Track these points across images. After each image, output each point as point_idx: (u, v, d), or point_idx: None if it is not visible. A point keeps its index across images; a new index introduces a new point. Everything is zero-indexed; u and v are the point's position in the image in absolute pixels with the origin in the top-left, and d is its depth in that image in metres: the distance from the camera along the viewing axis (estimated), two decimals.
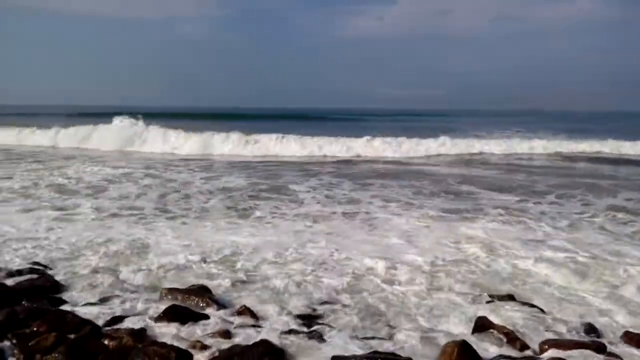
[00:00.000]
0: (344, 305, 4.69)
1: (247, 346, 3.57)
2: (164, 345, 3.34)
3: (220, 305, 4.49)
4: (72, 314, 4.06)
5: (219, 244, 6.58)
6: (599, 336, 4.14)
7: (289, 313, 4.44)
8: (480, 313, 4.35)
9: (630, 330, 4.18)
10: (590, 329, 4.23)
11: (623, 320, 4.51)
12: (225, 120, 42.26)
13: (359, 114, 71.84)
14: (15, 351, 3.44)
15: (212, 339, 3.80)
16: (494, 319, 4.21)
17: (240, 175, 13.50)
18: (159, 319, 4.09)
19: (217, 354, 3.52)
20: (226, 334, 3.89)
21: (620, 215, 8.94)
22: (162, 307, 4.29)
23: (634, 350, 3.86)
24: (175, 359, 3.21)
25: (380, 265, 5.75)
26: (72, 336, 3.61)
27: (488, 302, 4.76)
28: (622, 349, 3.87)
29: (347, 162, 18.21)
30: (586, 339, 4.02)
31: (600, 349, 3.69)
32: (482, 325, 3.99)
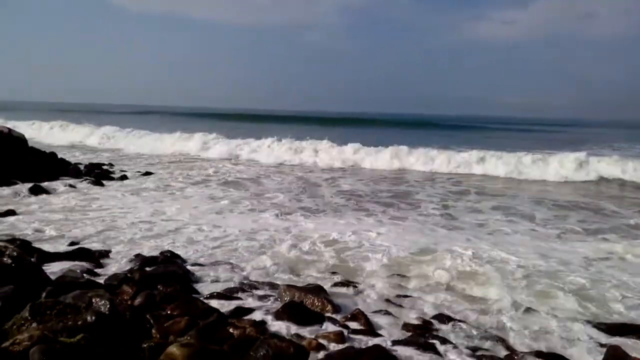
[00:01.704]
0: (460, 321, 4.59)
1: (361, 350, 3.62)
2: (283, 339, 3.49)
3: (335, 306, 4.59)
4: (201, 301, 4.40)
5: None
6: None
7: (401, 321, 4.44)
8: None
9: None
10: None
11: None
12: (363, 126, 43.82)
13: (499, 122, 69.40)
14: (153, 330, 3.81)
15: (326, 339, 3.91)
16: None
17: None
18: (278, 314, 4.28)
19: (331, 353, 3.62)
20: (340, 336, 3.97)
21: None
22: (282, 302, 4.52)
23: None
24: (293, 353, 3.34)
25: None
26: (201, 322, 3.91)
27: None
28: None
29: None
30: None
31: None
32: (614, 354, 3.67)
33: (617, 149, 28.19)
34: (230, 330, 3.83)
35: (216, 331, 3.71)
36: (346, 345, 3.84)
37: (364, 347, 3.75)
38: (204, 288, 5.09)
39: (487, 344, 4.07)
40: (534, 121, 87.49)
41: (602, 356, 3.80)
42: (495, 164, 16.51)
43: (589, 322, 4.58)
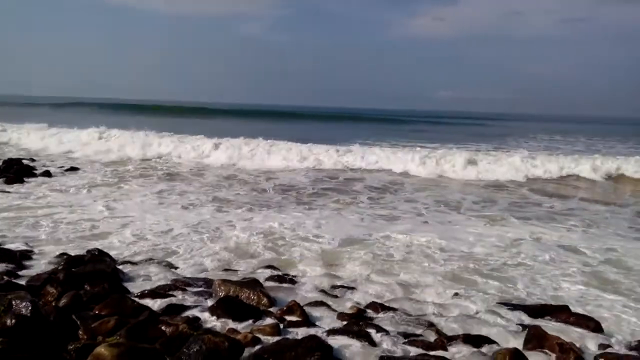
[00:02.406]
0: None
1: (297, 341, 3.64)
2: (217, 334, 3.45)
3: (272, 299, 4.58)
4: (131, 300, 4.26)
5: None
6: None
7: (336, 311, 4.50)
8: None
9: None
10: None
11: None
12: (295, 119, 43.16)
13: (429, 116, 70.38)
14: (80, 332, 3.65)
15: (262, 332, 3.90)
16: None
17: None
18: (213, 309, 4.22)
19: (266, 346, 3.61)
20: (275, 328, 3.97)
21: None
22: (216, 298, 4.46)
23: None
24: (228, 348, 3.31)
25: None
26: (131, 321, 3.79)
27: None
28: None
29: None
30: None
31: None
32: (535, 335, 3.90)
33: (540, 140, 29.88)
34: (163, 328, 3.73)
35: (148, 330, 3.62)
36: (282, 337, 3.86)
37: (299, 338, 3.77)
38: (136, 286, 4.93)
39: (419, 330, 4.20)
40: (465, 115, 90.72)
41: (524, 337, 4.02)
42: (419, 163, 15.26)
43: (511, 304, 4.84)
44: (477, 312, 4.64)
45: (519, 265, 6.23)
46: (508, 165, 14.50)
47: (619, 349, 3.93)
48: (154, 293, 4.65)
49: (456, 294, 5.11)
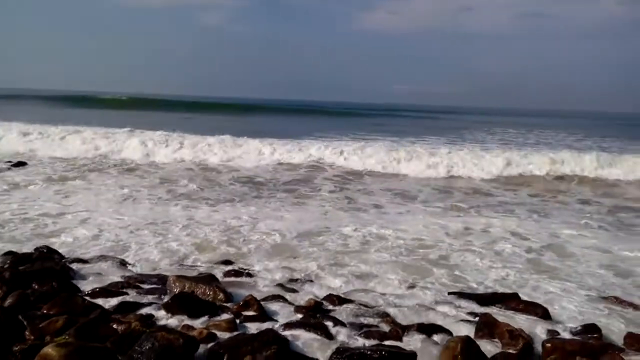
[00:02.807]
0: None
1: (253, 335, 3.63)
2: (171, 331, 3.40)
3: (228, 294, 4.54)
4: (82, 298, 4.14)
5: None
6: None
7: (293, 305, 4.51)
8: None
9: None
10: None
11: None
12: (251, 113, 42.23)
13: (383, 109, 70.25)
14: (27, 332, 3.52)
15: (218, 328, 3.86)
16: None
17: None
18: (167, 306, 4.15)
19: (222, 342, 3.58)
20: (231, 324, 3.94)
21: None
22: (171, 294, 4.38)
23: None
24: (183, 345, 3.26)
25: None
26: (81, 320, 3.68)
27: None
28: None
29: None
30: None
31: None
32: (485, 323, 4.01)
33: (492, 133, 30.63)
34: (114, 326, 3.64)
35: (98, 328, 3.52)
36: (238, 332, 3.84)
37: (256, 332, 3.76)
38: (87, 284, 4.78)
39: (375, 321, 4.25)
40: (423, 108, 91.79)
41: (475, 324, 4.14)
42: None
43: (463, 293, 4.97)
44: (431, 302, 4.74)
45: (471, 253, 6.42)
46: (461, 160, 14.63)
47: (564, 334, 4.08)
48: (106, 291, 4.53)
49: (411, 285, 5.21)
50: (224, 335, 3.77)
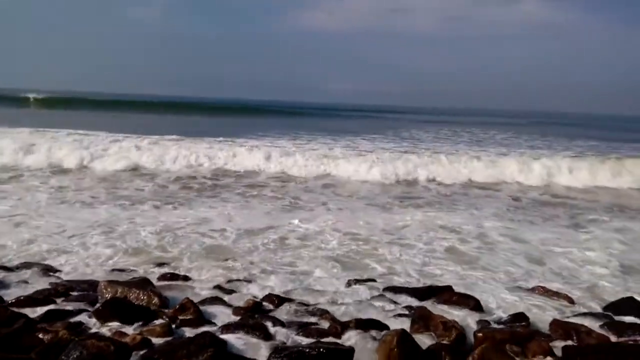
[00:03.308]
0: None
1: (189, 339, 3.54)
2: (102, 338, 3.26)
3: (163, 298, 4.42)
4: (4, 308, 3.90)
5: None
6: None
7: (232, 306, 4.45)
8: None
9: None
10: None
11: None
12: (178, 111, 40.73)
13: (318, 108, 69.99)
14: None
15: (152, 333, 3.74)
16: None
17: None
18: (98, 313, 3.98)
19: (157, 347, 3.48)
20: (166, 328, 3.84)
21: None
22: (102, 300, 4.21)
23: None
24: (114, 352, 3.14)
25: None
26: (3, 330, 3.47)
27: None
28: None
29: None
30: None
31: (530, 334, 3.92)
32: (420, 316, 4.12)
33: (427, 131, 31.49)
34: (40, 335, 3.45)
35: (22, 338, 3.33)
36: (174, 335, 3.75)
37: (192, 336, 3.67)
38: (10, 293, 4.51)
39: (314, 319, 4.26)
40: (362, 107, 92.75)
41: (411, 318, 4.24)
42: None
43: (400, 287, 5.09)
44: (368, 298, 4.82)
45: (407, 248, 6.59)
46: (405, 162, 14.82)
47: (494, 324, 4.25)
48: (32, 299, 4.29)
49: (350, 281, 5.27)
50: (159, 340, 3.66)
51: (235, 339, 3.73)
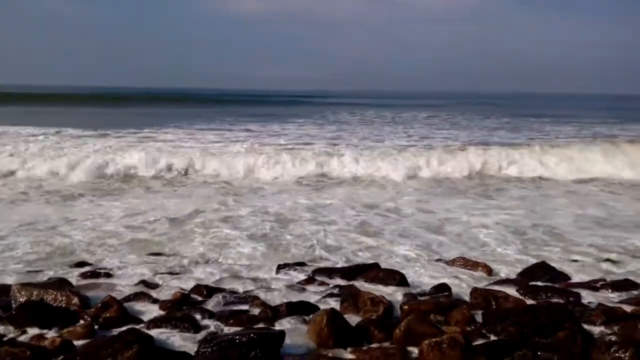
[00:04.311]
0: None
1: (113, 337, 3.40)
2: (16, 344, 3.07)
3: (83, 297, 4.21)
4: None
5: None
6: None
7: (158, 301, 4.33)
8: None
9: None
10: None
11: None
12: (96, 103, 38.56)
13: (248, 95, 68.27)
14: None
15: (74, 335, 3.57)
16: None
17: None
18: (12, 318, 3.73)
19: (79, 349, 3.32)
20: (88, 328, 3.67)
21: None
22: (16, 304, 3.95)
23: None
24: (30, 357, 2.97)
25: None
26: None
27: None
28: None
29: None
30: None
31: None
32: (349, 294, 4.20)
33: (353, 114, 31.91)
34: None
35: None
36: (97, 337, 3.59)
37: (116, 334, 3.53)
38: None
39: (245, 306, 4.22)
40: (293, 93, 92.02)
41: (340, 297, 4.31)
42: None
43: (329, 268, 5.18)
44: (299, 281, 4.85)
45: (330, 225, 6.82)
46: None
47: (419, 297, 4.41)
48: None
49: (280, 265, 5.27)
50: (81, 342, 3.49)
51: (162, 334, 3.65)
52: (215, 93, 71.18)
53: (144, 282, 4.78)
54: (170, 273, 5.09)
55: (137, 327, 3.71)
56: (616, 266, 5.49)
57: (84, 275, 4.90)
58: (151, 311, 4.14)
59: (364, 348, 3.43)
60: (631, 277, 4.97)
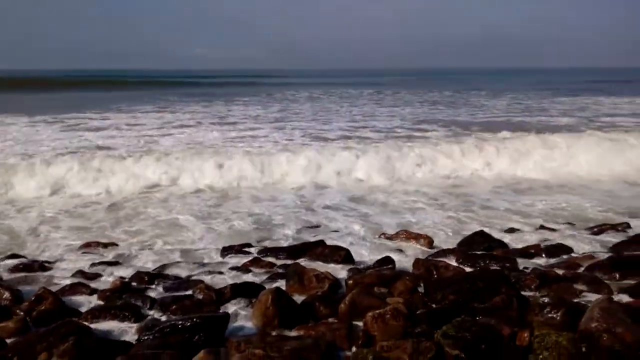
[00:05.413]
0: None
1: (47, 330, 3.26)
2: None
3: (15, 291, 4.01)
4: None
5: None
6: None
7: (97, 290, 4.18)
8: None
9: None
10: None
11: None
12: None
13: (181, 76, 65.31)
14: None
15: (5, 331, 3.39)
16: None
17: None
18: None
19: (11, 346, 3.16)
20: (21, 323, 3.50)
21: None
22: None
23: None
24: None
25: None
26: None
27: None
28: None
29: None
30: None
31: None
32: (294, 272, 4.20)
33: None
34: None
35: None
36: (31, 332, 3.42)
37: (51, 328, 3.38)
38: None
39: (189, 291, 4.14)
40: (228, 73, 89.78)
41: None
42: None
43: (276, 248, 5.17)
44: (244, 263, 4.79)
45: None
46: None
47: (364, 271, 4.47)
48: None
49: (225, 247, 5.21)
50: (13, 338, 3.32)
51: (101, 324, 3.53)
52: (134, 75, 67.62)
53: (81, 273, 4.60)
54: (110, 262, 4.92)
55: (74, 319, 3.57)
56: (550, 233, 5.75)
57: (15, 268, 4.66)
58: (89, 302, 4.00)
59: (310, 325, 3.44)
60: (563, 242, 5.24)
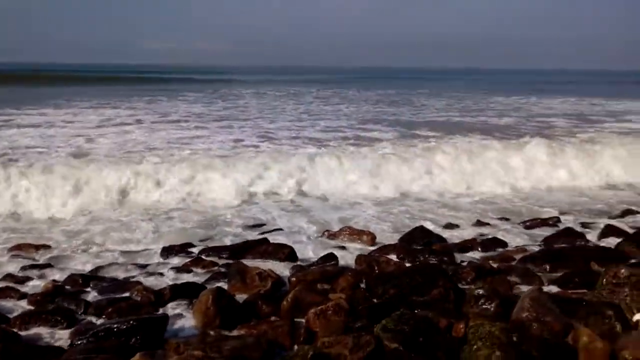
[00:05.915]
0: None
1: None
2: None
3: None
4: None
5: None
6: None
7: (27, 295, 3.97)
8: None
9: None
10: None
11: None
12: None
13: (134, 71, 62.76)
14: None
15: None
16: None
17: None
18: None
19: None
20: None
21: None
22: None
23: None
24: None
25: None
26: None
27: None
28: None
29: None
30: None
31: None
32: (236, 271, 4.15)
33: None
34: None
35: None
36: None
37: None
38: None
39: (125, 294, 3.99)
40: (182, 69, 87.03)
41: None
42: None
43: (218, 247, 5.10)
44: (183, 264, 4.68)
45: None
46: None
47: (306, 267, 4.48)
48: None
49: (165, 247, 5.09)
50: None
51: (30, 330, 3.36)
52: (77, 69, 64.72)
53: (10, 276, 4.36)
54: (42, 265, 4.68)
55: (2, 325, 3.38)
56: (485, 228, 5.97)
57: None
58: (19, 307, 3.79)
59: (252, 323, 3.41)
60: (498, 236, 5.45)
